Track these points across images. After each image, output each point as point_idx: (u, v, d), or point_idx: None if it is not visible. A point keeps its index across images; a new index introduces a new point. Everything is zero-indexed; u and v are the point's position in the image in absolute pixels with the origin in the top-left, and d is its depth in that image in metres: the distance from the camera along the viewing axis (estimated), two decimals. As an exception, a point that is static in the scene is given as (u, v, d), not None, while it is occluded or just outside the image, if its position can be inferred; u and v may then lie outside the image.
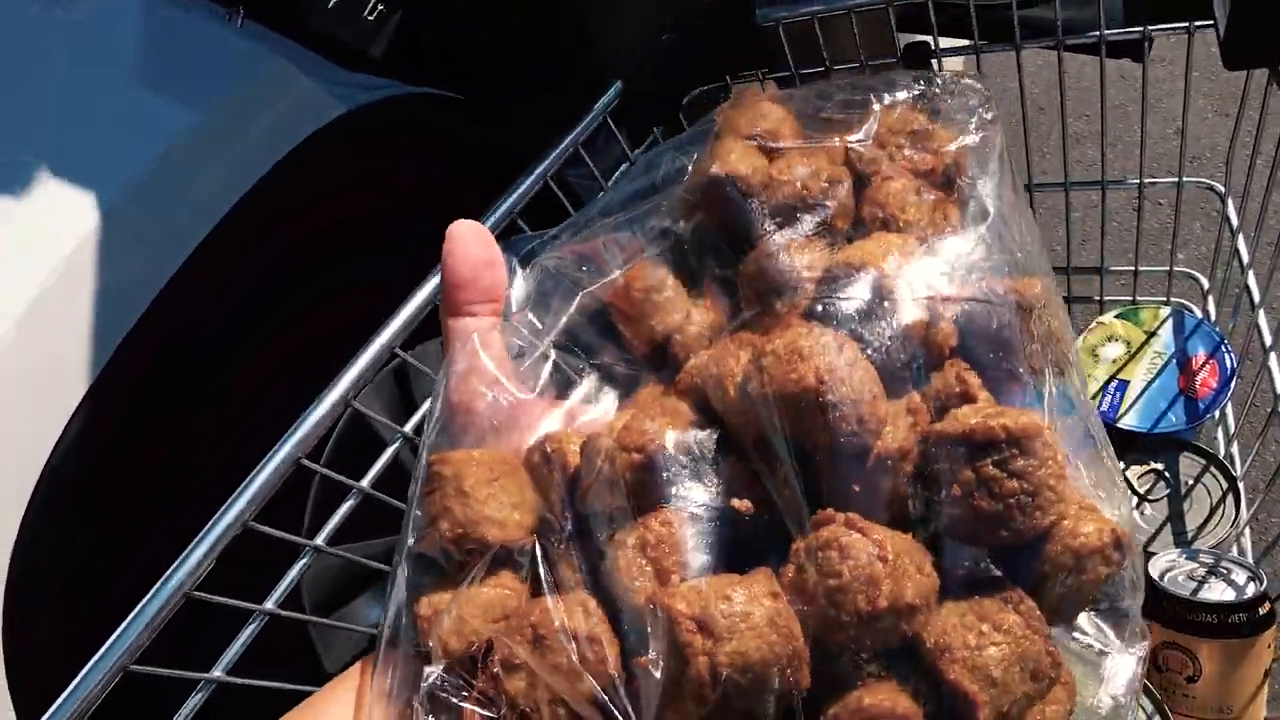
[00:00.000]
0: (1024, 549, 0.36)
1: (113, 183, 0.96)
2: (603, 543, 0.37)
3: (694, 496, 0.37)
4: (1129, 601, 0.40)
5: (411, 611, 0.39)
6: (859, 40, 0.83)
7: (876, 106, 0.47)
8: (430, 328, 0.67)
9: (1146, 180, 0.85)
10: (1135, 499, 0.77)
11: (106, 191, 0.95)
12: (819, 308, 0.39)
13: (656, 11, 0.94)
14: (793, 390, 0.35)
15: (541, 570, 0.38)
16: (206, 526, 0.58)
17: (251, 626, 0.61)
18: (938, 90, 0.48)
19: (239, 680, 0.60)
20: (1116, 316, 0.86)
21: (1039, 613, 0.36)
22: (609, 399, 0.45)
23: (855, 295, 0.39)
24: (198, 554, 0.57)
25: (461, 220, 0.46)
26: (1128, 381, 0.82)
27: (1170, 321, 0.84)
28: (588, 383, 0.45)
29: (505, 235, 0.73)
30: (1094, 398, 0.82)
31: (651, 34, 0.85)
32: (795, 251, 0.42)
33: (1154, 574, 0.69)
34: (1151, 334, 0.84)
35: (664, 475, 0.37)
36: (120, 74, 1.02)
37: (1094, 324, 0.86)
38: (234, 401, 1.05)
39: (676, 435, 0.38)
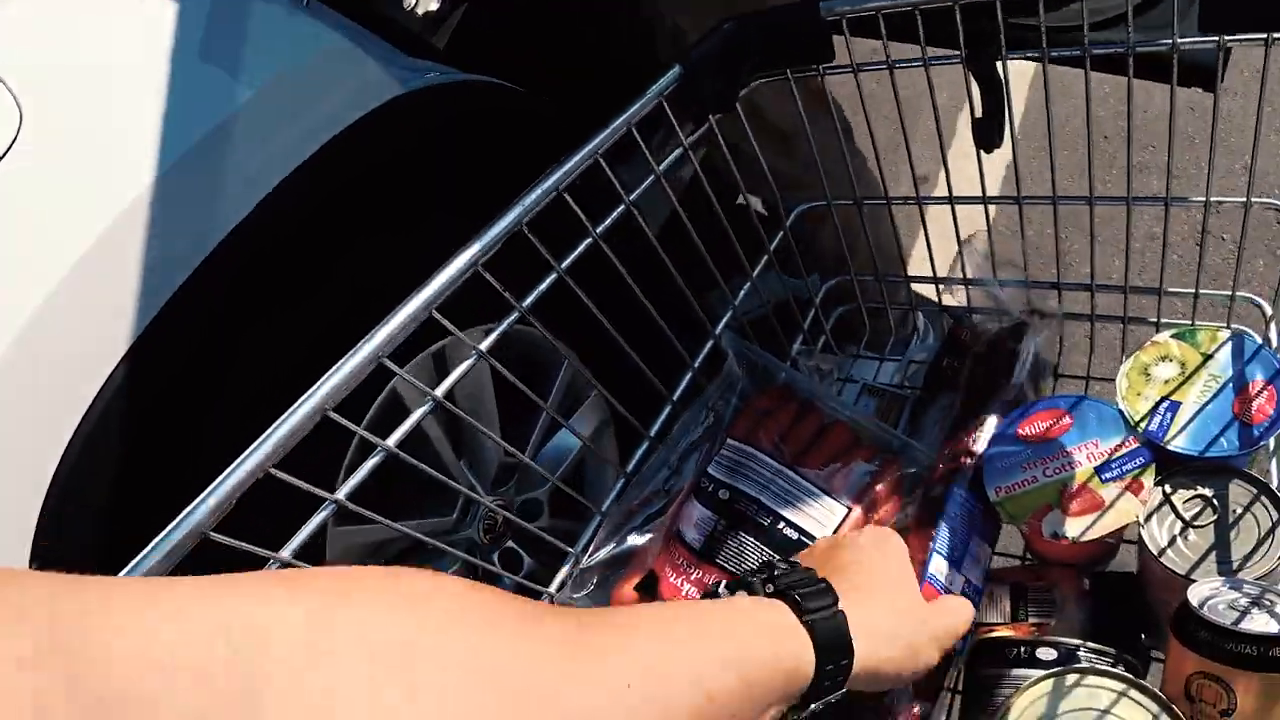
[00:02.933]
0: None
1: (169, 149, 0.97)
2: None
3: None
4: None
5: None
6: (923, 37, 0.82)
7: None
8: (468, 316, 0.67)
9: (1213, 199, 0.82)
10: (1180, 524, 0.74)
11: (162, 157, 0.96)
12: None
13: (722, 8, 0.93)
14: None
15: None
16: (229, 468, 0.58)
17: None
18: None
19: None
20: (1173, 336, 0.84)
21: None
22: None
23: None
24: (218, 495, 0.57)
25: None
26: (1180, 403, 0.80)
27: (1229, 345, 0.81)
28: None
29: (550, 210, 0.73)
30: (1143, 418, 0.80)
31: (714, 23, 0.84)
32: None
33: (1194, 601, 0.66)
34: (1208, 356, 0.81)
35: None
36: (187, 45, 1.03)
37: (1148, 343, 0.84)
38: (275, 367, 1.05)
39: None
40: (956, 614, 0.68)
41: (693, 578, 0.76)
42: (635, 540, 0.79)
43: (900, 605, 0.64)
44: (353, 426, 0.62)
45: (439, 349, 1.14)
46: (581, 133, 0.78)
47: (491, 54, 1.34)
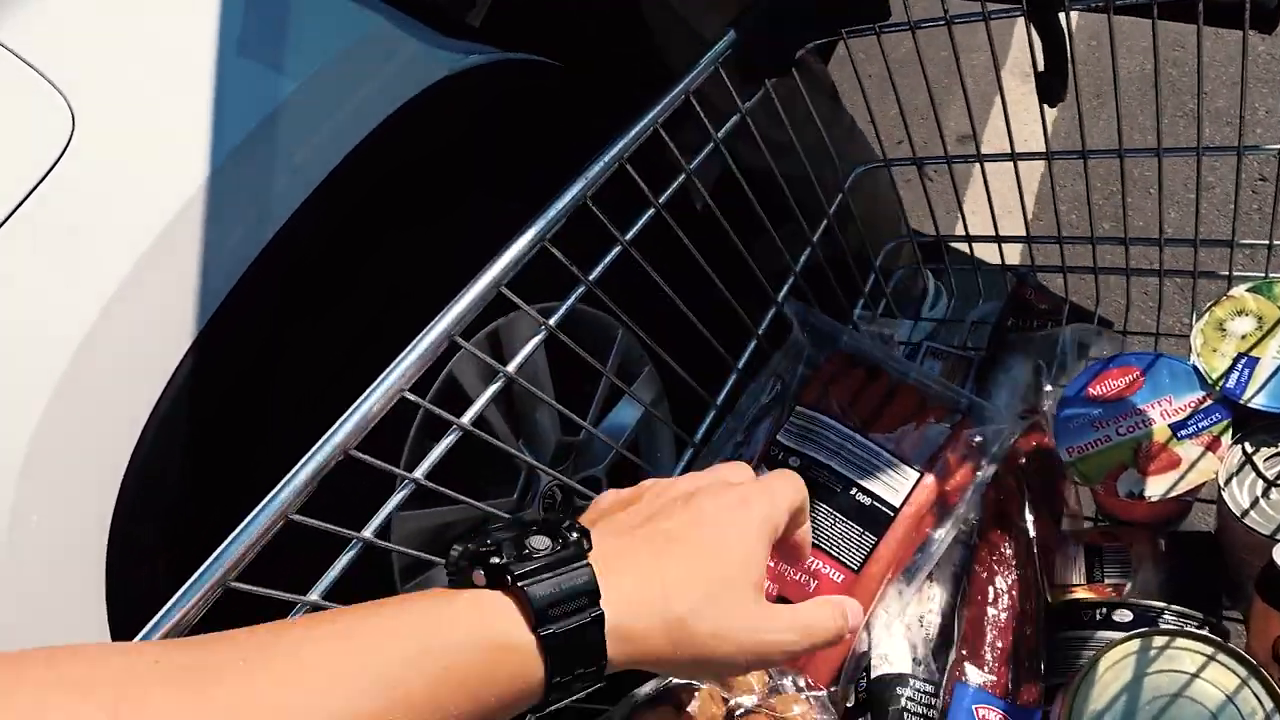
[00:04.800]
0: None
1: (223, 141, 0.96)
2: None
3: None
4: None
5: None
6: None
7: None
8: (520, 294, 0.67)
9: (1286, 147, 0.80)
10: (1262, 484, 0.73)
11: (215, 150, 0.96)
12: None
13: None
14: None
15: None
16: (310, 451, 0.58)
17: (349, 554, 0.62)
18: None
19: (333, 605, 0.60)
20: (1248, 290, 0.82)
21: None
22: None
23: None
24: (301, 476, 0.57)
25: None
26: (1258, 359, 0.78)
27: (1309, 297, 0.79)
28: None
29: (614, 179, 0.72)
30: (1220, 375, 0.78)
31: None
32: None
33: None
34: (1287, 309, 0.79)
35: None
36: (233, 35, 1.02)
37: (1223, 297, 0.82)
38: (335, 350, 1.06)
39: None
40: (817, 612, 0.54)
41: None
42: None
43: (720, 573, 0.49)
44: (428, 405, 0.63)
45: (493, 329, 1.14)
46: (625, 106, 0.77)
47: (529, 30, 1.33)
